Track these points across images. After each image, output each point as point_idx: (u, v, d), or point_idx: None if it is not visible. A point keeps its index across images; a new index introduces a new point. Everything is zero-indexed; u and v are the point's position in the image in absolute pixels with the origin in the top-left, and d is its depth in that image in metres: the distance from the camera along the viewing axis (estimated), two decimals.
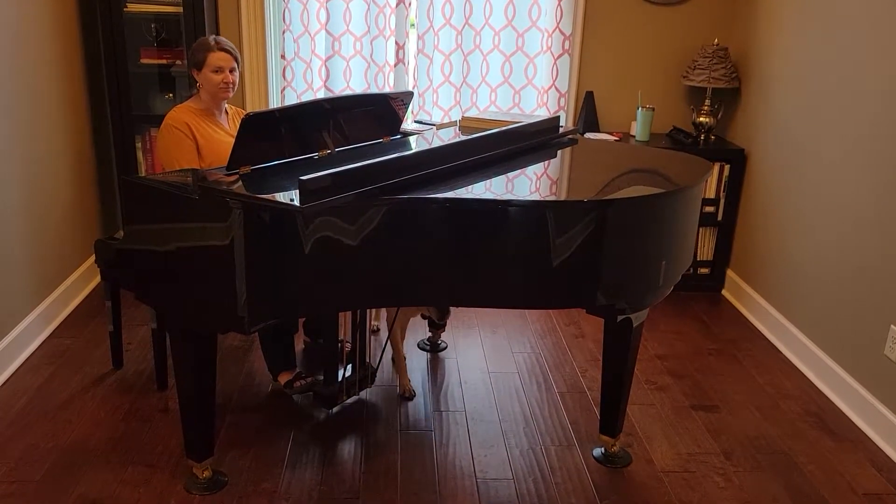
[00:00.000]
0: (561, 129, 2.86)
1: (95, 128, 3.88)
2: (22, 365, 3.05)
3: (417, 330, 3.50)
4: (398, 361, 2.97)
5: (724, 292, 4.06)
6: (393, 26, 3.90)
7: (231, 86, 2.78)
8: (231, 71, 2.76)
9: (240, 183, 2.12)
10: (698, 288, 4.05)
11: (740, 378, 3.16)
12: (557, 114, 3.80)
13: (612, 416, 2.55)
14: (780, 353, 3.40)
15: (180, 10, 3.60)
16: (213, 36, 2.80)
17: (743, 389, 3.07)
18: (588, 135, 3.95)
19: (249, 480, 2.41)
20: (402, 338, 2.96)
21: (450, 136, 2.79)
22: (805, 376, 3.19)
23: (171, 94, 3.85)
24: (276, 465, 2.49)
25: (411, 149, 2.63)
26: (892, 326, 2.68)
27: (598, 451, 2.61)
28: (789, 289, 3.42)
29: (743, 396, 3.02)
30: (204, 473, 2.38)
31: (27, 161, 3.16)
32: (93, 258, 3.74)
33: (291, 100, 3.94)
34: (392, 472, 2.48)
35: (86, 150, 3.77)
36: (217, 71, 2.73)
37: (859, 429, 2.81)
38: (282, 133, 2.34)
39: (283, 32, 3.85)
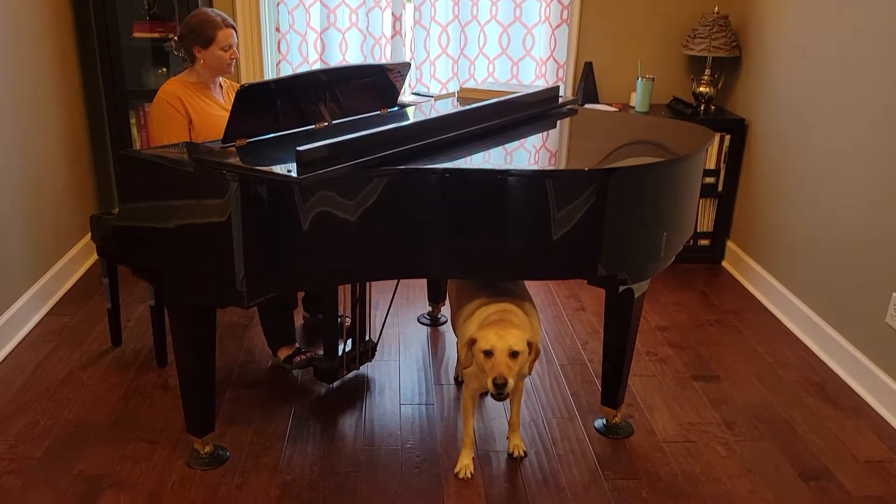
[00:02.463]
0: (560, 100, 2.83)
1: (89, 103, 3.83)
2: (20, 343, 3.04)
3: (417, 304, 3.49)
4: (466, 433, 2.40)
5: (724, 263, 4.04)
6: None
7: (235, 61, 2.76)
8: (236, 47, 2.74)
9: (236, 156, 2.09)
10: (698, 259, 4.04)
11: (741, 348, 3.16)
12: (556, 84, 3.76)
13: (613, 387, 2.54)
14: (781, 322, 3.39)
15: None
16: (213, 10, 2.73)
17: (744, 359, 3.07)
18: (587, 106, 3.91)
19: (251, 455, 2.41)
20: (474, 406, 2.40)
21: (448, 108, 2.75)
22: (806, 346, 3.19)
23: (164, 69, 3.80)
24: (277, 440, 2.49)
25: (409, 120, 2.60)
26: (894, 294, 2.67)
27: (599, 423, 2.61)
28: (790, 259, 3.40)
29: (744, 366, 3.01)
30: (205, 449, 2.37)
31: (20, 138, 3.13)
32: (89, 234, 3.73)
33: (287, 73, 3.89)
34: (394, 445, 2.48)
35: (79, 126, 3.73)
36: (226, 48, 2.70)
37: (860, 397, 2.81)
38: (278, 105, 2.31)
39: (278, 5, 3.79)
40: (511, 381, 2.05)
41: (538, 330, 2.35)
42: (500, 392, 2.05)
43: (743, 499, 2.26)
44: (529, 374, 2.25)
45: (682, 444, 2.52)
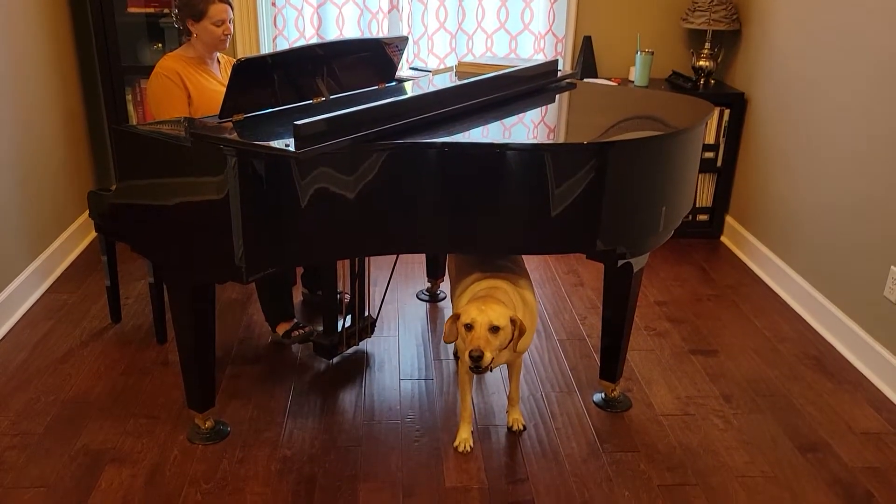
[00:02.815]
0: (559, 73, 2.81)
1: (85, 81, 3.81)
2: (20, 320, 3.04)
3: (416, 280, 3.49)
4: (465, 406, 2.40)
5: (722, 238, 4.04)
6: None
7: (229, 37, 2.73)
8: (230, 21, 2.71)
9: (233, 131, 2.08)
10: (697, 234, 4.04)
11: (739, 323, 3.17)
12: (555, 59, 3.73)
13: (612, 361, 2.55)
14: (779, 297, 3.40)
15: None
16: None
17: (741, 334, 3.08)
18: (586, 80, 3.88)
19: (251, 430, 2.42)
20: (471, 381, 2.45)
21: (446, 82, 2.74)
22: (804, 320, 3.20)
23: (160, 44, 3.77)
24: (277, 415, 2.50)
25: (407, 95, 2.58)
26: (892, 267, 2.68)
27: (598, 397, 2.62)
28: (788, 233, 3.40)
29: (741, 340, 3.03)
30: (206, 424, 2.39)
31: (16, 116, 3.11)
32: (87, 211, 3.72)
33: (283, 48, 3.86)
34: (394, 419, 2.49)
35: (76, 104, 3.70)
36: (218, 23, 2.67)
37: (857, 370, 2.83)
38: (275, 79, 2.29)
39: None
40: (488, 355, 2.06)
41: (534, 307, 2.34)
42: (476, 365, 2.06)
43: (740, 470, 2.28)
44: (516, 351, 2.24)
45: (680, 417, 2.54)
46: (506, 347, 2.16)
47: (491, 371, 2.08)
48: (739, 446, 2.39)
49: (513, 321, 2.12)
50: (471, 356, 2.05)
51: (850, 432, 2.47)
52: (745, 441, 2.42)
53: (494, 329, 2.08)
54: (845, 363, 2.88)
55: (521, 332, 2.15)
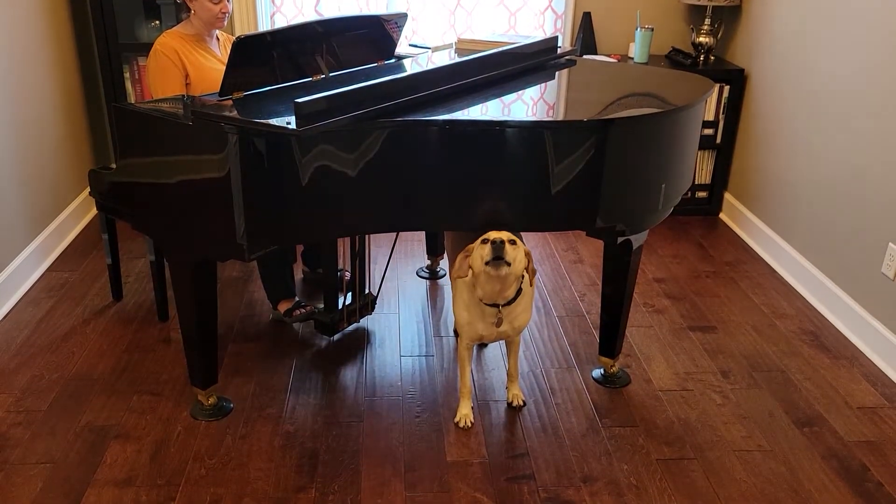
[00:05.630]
0: (559, 50, 2.81)
1: (82, 58, 3.79)
2: (21, 299, 3.05)
3: (416, 258, 3.50)
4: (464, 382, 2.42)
5: (721, 216, 4.05)
6: None
7: (227, 15, 2.71)
8: (228, 0, 2.69)
9: (234, 109, 2.07)
10: (696, 212, 4.05)
11: (737, 299, 3.19)
12: (555, 35, 3.71)
13: (611, 337, 2.57)
14: (777, 274, 3.42)
15: None
16: None
17: (740, 310, 3.10)
18: (586, 57, 3.87)
19: (254, 406, 2.45)
20: (469, 357, 2.44)
21: (445, 59, 2.73)
22: (801, 296, 3.22)
23: (157, 22, 3.74)
24: (279, 392, 2.52)
25: (406, 72, 2.57)
26: (890, 244, 2.69)
27: (597, 373, 2.65)
28: (787, 210, 3.41)
29: (740, 317, 3.05)
30: (209, 400, 2.41)
31: (14, 95, 3.09)
32: (88, 190, 3.72)
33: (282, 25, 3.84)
34: (395, 395, 2.52)
35: (73, 82, 3.69)
36: (215, 1, 2.65)
37: (854, 346, 2.85)
38: (274, 57, 2.29)
39: None
40: (509, 249, 2.02)
41: (532, 285, 2.36)
42: (497, 255, 2.00)
43: (737, 445, 2.31)
44: (517, 328, 2.28)
45: (679, 392, 2.56)
46: (515, 288, 2.15)
47: (507, 277, 2.10)
48: (737, 421, 2.42)
49: (526, 254, 2.11)
50: (492, 243, 2.00)
51: (846, 407, 2.50)
52: (742, 416, 2.45)
53: (512, 242, 2.05)
54: (842, 339, 2.90)
55: (533, 273, 2.15)
